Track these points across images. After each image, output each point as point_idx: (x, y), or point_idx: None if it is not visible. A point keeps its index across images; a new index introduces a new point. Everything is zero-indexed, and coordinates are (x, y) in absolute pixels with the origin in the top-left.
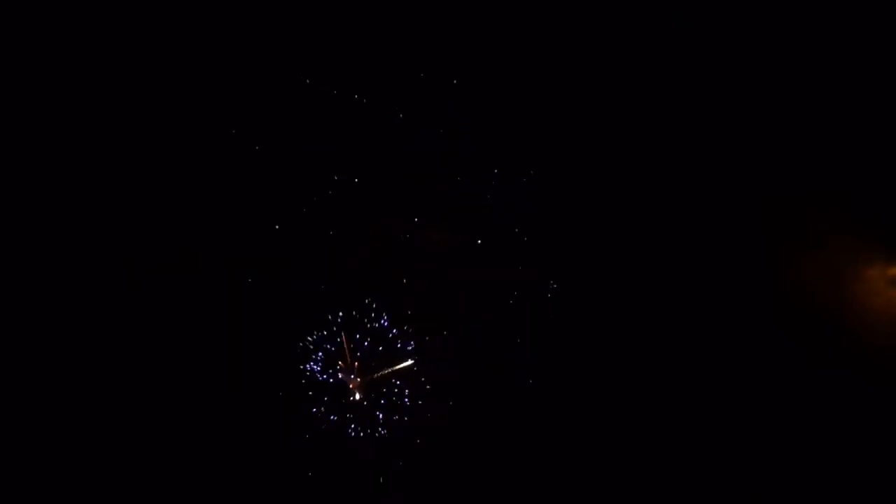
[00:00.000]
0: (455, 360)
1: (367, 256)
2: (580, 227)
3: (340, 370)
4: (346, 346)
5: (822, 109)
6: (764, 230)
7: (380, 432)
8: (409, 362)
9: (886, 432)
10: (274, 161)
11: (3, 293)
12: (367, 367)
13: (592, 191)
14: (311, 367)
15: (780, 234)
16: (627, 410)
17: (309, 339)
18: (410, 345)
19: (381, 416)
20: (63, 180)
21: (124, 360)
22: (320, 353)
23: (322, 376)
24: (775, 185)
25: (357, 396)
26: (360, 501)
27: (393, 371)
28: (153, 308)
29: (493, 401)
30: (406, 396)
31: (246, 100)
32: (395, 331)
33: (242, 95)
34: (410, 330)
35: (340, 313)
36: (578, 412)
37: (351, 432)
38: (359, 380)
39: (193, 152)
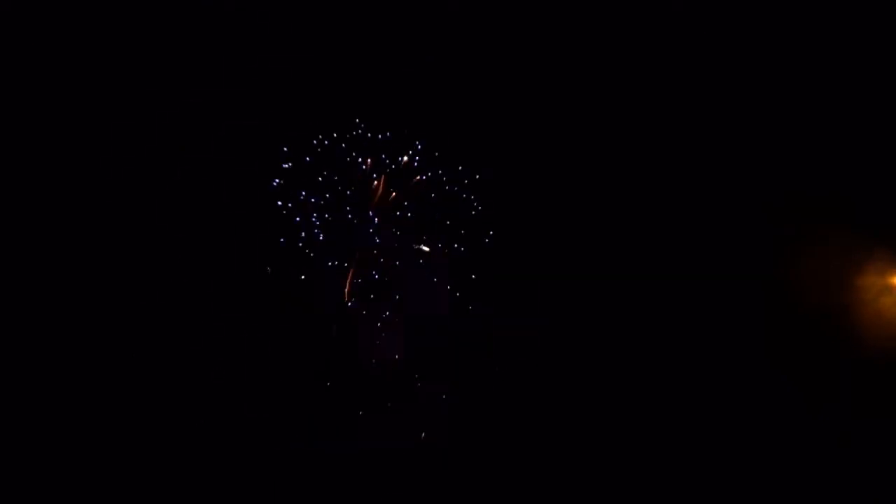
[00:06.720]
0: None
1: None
2: (581, 229)
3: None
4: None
5: (822, 113)
6: (761, 234)
7: None
8: None
9: (884, 435)
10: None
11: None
12: None
13: (593, 193)
14: None
15: (776, 238)
16: (626, 410)
17: None
18: None
19: None
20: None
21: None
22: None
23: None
24: (774, 189)
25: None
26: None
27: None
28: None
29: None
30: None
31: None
32: None
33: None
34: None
35: None
36: (579, 412)
37: None
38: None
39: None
